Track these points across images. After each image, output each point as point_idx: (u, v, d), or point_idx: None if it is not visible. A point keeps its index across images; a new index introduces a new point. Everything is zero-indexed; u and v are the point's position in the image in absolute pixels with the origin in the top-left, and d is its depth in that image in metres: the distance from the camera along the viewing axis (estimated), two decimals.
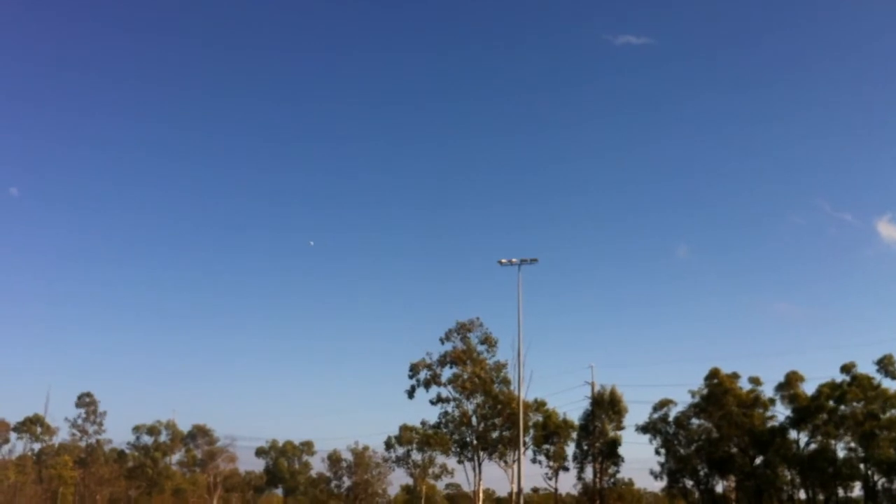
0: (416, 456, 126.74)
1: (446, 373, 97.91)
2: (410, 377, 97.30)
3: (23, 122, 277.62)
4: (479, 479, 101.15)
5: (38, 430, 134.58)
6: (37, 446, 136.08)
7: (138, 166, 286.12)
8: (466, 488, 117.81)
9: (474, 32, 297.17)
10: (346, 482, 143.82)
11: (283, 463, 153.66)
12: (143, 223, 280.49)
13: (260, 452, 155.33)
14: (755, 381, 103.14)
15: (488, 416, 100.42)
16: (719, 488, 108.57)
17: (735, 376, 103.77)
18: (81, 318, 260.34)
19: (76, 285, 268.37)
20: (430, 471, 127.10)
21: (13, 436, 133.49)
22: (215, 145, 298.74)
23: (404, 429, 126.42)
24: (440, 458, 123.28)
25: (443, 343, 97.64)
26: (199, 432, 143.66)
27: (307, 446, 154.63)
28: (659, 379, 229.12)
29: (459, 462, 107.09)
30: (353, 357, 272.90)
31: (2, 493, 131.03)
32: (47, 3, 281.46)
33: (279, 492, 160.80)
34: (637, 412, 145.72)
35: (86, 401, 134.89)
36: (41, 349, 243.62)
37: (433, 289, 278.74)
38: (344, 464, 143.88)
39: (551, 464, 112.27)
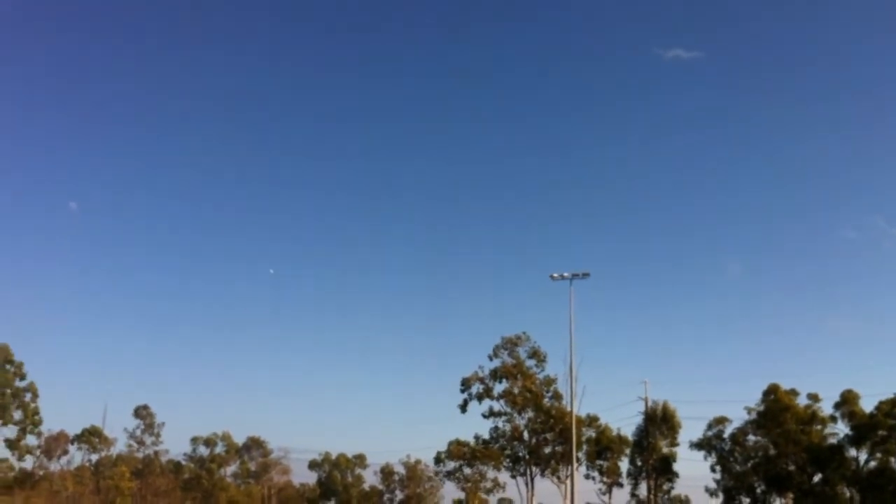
0: (468, 470, 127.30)
1: (498, 387, 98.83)
2: (462, 391, 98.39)
3: (82, 137, 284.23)
4: (532, 494, 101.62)
5: (96, 441, 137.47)
6: (95, 457, 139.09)
7: (192, 181, 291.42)
8: (518, 503, 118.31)
9: (525, 51, 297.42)
10: (399, 495, 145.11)
11: (336, 475, 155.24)
12: (198, 237, 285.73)
13: (313, 465, 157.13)
14: (813, 397, 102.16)
15: (540, 430, 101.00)
16: None
17: (793, 393, 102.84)
18: (139, 330, 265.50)
19: (133, 298, 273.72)
20: (482, 485, 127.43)
21: (72, 447, 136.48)
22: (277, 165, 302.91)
23: (454, 444, 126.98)
24: (492, 473, 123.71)
25: (491, 360, 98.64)
26: (254, 444, 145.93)
27: (360, 459, 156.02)
28: (712, 395, 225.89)
29: (512, 477, 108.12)
30: (405, 371, 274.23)
31: (61, 503, 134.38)
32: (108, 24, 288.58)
33: None
34: (691, 428, 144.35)
35: (143, 413, 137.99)
36: (99, 361, 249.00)
37: (485, 303, 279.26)
38: (396, 477, 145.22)
39: (605, 479, 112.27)
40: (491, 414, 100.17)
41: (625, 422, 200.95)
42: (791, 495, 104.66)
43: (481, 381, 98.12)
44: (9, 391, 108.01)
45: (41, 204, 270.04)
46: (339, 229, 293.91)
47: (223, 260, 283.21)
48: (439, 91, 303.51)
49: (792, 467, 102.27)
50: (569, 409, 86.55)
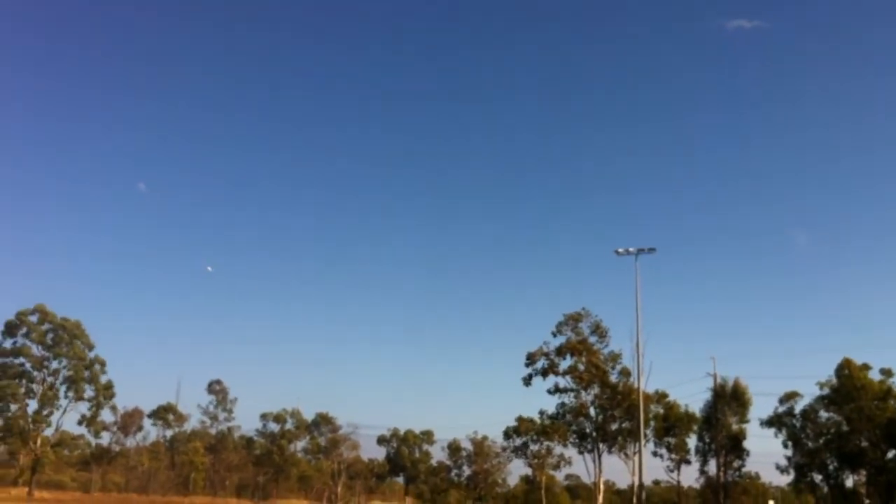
0: (535, 446, 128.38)
1: (563, 364, 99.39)
2: (527, 366, 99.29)
3: (150, 119, 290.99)
4: (599, 471, 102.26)
5: (171, 417, 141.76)
6: (169, 433, 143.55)
7: (261, 162, 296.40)
8: (586, 479, 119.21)
9: (593, 23, 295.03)
10: (466, 471, 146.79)
11: (404, 451, 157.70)
12: (265, 216, 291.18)
13: (381, 440, 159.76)
14: (887, 372, 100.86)
15: (606, 406, 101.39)
16: (849, 483, 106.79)
17: (866, 367, 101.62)
18: (211, 307, 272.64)
19: (204, 276, 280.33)
20: (549, 461, 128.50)
21: (147, 423, 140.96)
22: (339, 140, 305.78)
23: (522, 420, 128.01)
24: (558, 449, 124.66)
25: (555, 336, 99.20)
26: (323, 420, 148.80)
27: (427, 435, 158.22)
28: (781, 371, 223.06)
29: (579, 453, 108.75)
30: (470, 346, 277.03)
31: (137, 478, 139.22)
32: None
33: (400, 479, 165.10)
34: (761, 405, 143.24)
35: (216, 388, 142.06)
36: (174, 338, 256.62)
37: (549, 278, 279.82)
38: (463, 453, 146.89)
39: (673, 456, 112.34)
40: (556, 390, 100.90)
41: (693, 398, 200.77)
42: (864, 472, 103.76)
43: (546, 355, 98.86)
44: (82, 366, 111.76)
45: (112, 184, 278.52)
46: (398, 208, 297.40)
47: (293, 238, 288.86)
48: (507, 64, 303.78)
49: (865, 444, 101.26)
50: (636, 385, 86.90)
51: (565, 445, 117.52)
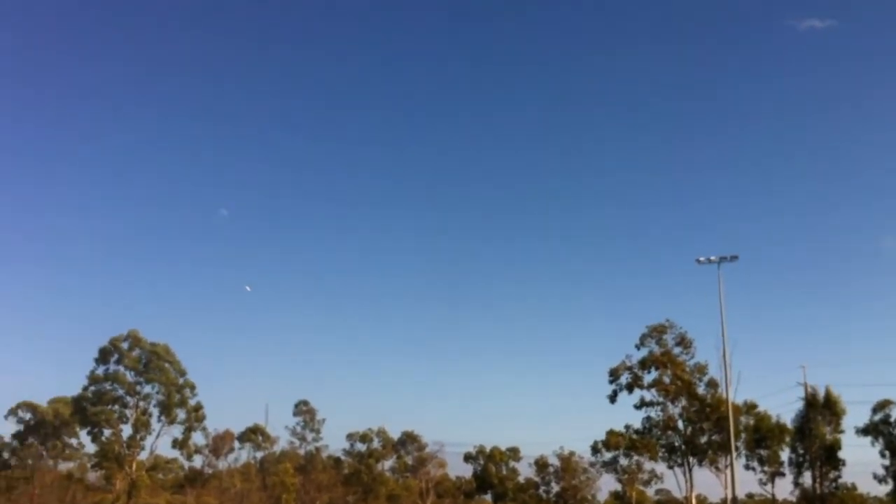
0: (624, 461, 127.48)
1: (647, 377, 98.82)
2: (611, 382, 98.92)
3: (229, 144, 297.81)
4: (691, 485, 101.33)
5: (259, 439, 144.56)
6: (259, 454, 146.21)
7: (346, 185, 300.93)
8: (677, 494, 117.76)
9: (659, 25, 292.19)
10: (555, 488, 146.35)
11: (491, 468, 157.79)
12: (353, 237, 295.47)
13: (468, 458, 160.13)
14: None
15: (695, 419, 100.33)
16: None
17: None
18: (296, 328, 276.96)
19: (285, 298, 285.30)
20: (639, 476, 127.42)
21: (237, 445, 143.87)
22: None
23: (611, 434, 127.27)
24: (648, 464, 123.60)
25: (638, 349, 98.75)
26: (409, 439, 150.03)
27: (513, 452, 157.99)
28: (872, 378, 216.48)
29: (669, 467, 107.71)
30: (553, 361, 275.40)
31: (230, 500, 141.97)
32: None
33: (488, 497, 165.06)
34: (855, 413, 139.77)
35: (303, 409, 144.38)
36: (262, 359, 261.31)
37: (629, 289, 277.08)
38: (551, 469, 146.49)
39: (766, 469, 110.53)
40: (642, 404, 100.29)
41: (784, 408, 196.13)
42: None
43: (629, 370, 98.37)
44: (173, 390, 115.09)
45: (195, 210, 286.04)
46: (476, 221, 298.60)
47: (373, 256, 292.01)
48: (575, 75, 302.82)
49: None
50: (724, 396, 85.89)
51: (655, 460, 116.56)
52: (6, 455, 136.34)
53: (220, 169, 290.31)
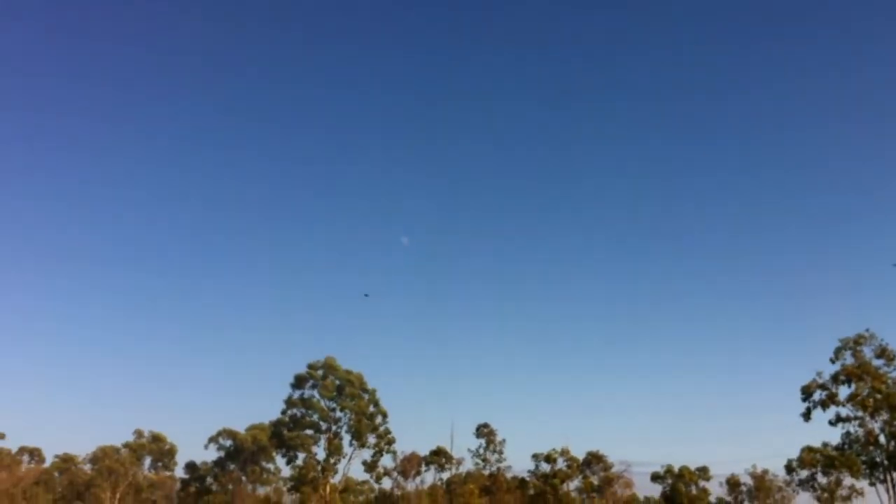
0: (822, 479, 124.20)
1: (843, 391, 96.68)
2: (804, 400, 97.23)
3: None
4: (894, 502, 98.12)
5: (443, 461, 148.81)
6: (445, 476, 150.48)
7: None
8: None
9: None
10: None
11: (680, 487, 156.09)
12: (532, 261, 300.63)
13: (655, 478, 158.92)
14: None
15: None
16: None
17: None
18: (475, 351, 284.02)
19: (465, 323, 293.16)
20: (839, 493, 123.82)
21: (424, 468, 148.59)
22: None
23: (807, 451, 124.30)
24: (848, 480, 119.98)
25: (833, 362, 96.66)
26: (594, 459, 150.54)
27: (703, 471, 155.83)
28: None
29: (871, 484, 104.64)
30: (739, 378, 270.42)
31: None
32: None
33: None
34: None
35: (484, 431, 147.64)
36: (447, 385, 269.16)
37: (820, 300, 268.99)
38: (743, 488, 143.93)
39: None
40: (839, 420, 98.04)
41: None
42: None
43: (822, 387, 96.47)
44: (365, 417, 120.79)
45: (378, 239, 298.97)
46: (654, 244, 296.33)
47: (546, 282, 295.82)
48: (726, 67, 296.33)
49: None
50: None
51: (857, 477, 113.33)
52: (209, 480, 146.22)
53: (401, 199, 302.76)
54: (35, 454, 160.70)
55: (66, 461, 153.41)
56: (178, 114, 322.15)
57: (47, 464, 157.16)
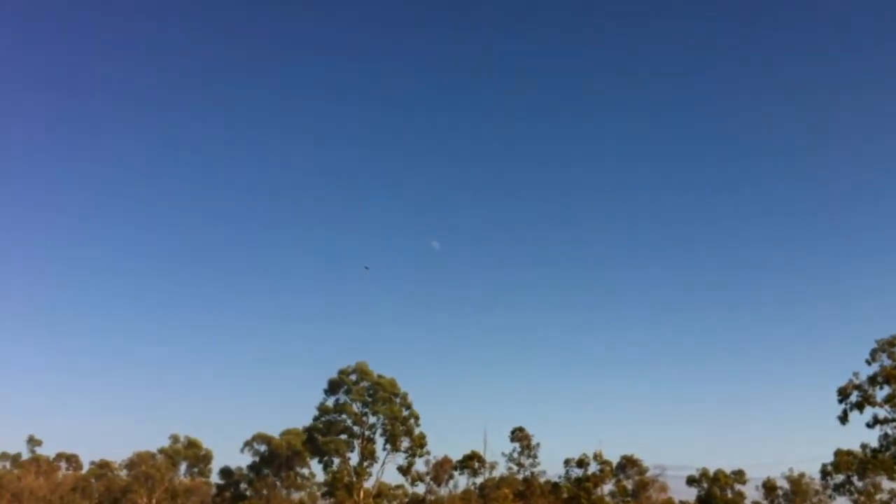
0: (859, 482, 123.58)
1: (880, 392, 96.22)
2: (840, 401, 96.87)
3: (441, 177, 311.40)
4: None
5: (477, 465, 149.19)
6: (478, 480, 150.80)
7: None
8: None
9: None
10: None
11: (715, 492, 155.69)
12: (550, 266, 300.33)
13: (691, 481, 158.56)
14: None
15: None
16: None
17: None
18: (512, 357, 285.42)
19: (495, 329, 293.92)
20: (878, 497, 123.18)
21: (457, 472, 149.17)
22: None
23: (840, 454, 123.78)
24: (887, 484, 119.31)
25: (869, 364, 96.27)
26: (628, 463, 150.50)
27: (738, 475, 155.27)
28: None
29: None
30: (776, 380, 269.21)
31: None
32: None
33: None
34: None
35: (518, 435, 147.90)
36: (481, 388, 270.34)
37: (855, 302, 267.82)
38: (780, 492, 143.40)
39: None
40: (876, 422, 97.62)
41: None
42: None
43: (858, 388, 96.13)
44: (398, 422, 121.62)
45: (409, 244, 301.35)
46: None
47: (589, 285, 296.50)
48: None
49: None
50: None
51: (894, 480, 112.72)
52: (243, 485, 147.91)
53: (432, 202, 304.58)
54: (72, 461, 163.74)
55: (103, 467, 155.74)
56: (191, 122, 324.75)
57: (84, 470, 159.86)
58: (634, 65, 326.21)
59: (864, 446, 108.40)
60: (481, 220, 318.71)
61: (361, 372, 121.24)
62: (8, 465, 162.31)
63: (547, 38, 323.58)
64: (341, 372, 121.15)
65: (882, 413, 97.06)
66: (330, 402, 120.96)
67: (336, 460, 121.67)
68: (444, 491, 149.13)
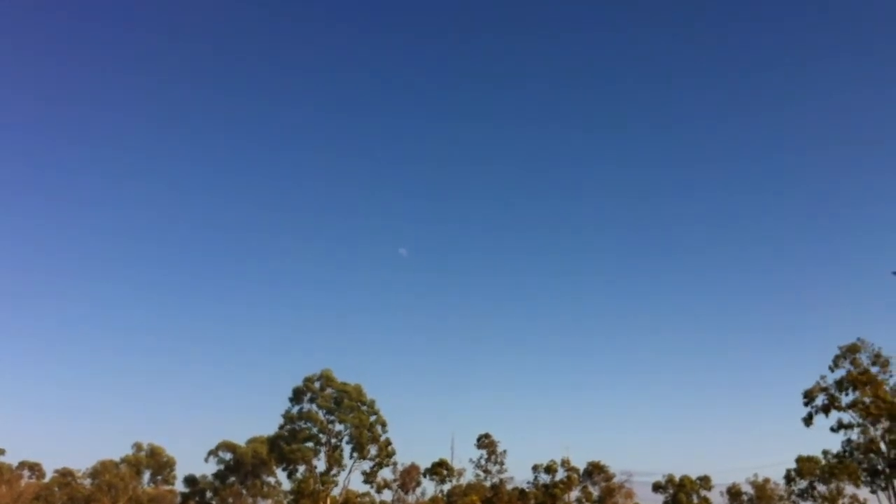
0: (822, 487, 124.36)
1: (845, 398, 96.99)
2: (805, 404, 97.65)
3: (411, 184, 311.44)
4: None
5: (444, 472, 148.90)
6: (446, 487, 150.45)
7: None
8: None
9: None
10: None
11: (682, 498, 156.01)
12: (527, 275, 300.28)
13: (657, 487, 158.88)
14: None
15: None
16: None
17: None
18: (478, 364, 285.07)
19: (460, 335, 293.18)
20: (841, 502, 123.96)
21: (424, 479, 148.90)
22: None
23: (802, 460, 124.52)
24: (849, 489, 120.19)
25: (832, 370, 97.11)
26: (595, 469, 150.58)
27: (704, 481, 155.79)
28: None
29: (872, 492, 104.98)
30: (739, 386, 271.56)
31: None
32: None
33: None
34: None
35: (485, 442, 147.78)
36: (446, 397, 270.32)
37: (817, 308, 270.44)
38: (745, 497, 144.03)
39: None
40: (840, 426, 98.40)
41: None
42: None
43: (825, 391, 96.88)
44: (364, 429, 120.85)
45: (376, 252, 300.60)
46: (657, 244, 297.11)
47: (547, 294, 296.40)
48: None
49: None
50: None
51: (857, 485, 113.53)
52: (208, 494, 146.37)
53: (401, 210, 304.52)
54: (35, 469, 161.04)
55: (66, 476, 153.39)
56: (176, 135, 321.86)
57: (47, 478, 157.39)
58: (621, 72, 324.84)
59: (825, 452, 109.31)
60: (447, 228, 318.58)
61: (326, 379, 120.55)
62: None
63: (528, 42, 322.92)
64: (306, 380, 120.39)
65: (847, 418, 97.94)
66: (295, 410, 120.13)
67: (301, 468, 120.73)
68: (411, 498, 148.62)
